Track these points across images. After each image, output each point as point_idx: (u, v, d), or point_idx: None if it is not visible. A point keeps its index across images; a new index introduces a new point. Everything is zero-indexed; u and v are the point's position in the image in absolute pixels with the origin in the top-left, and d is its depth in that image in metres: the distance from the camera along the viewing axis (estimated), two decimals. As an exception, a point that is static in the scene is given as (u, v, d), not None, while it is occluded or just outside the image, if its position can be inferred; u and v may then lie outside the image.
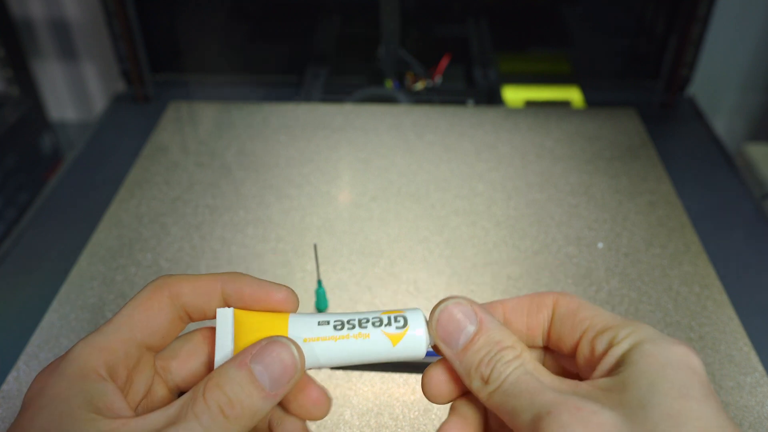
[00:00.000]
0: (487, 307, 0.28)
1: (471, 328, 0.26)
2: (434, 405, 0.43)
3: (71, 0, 1.12)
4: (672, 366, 0.23)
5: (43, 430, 0.23)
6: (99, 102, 1.23)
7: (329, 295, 0.53)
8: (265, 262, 0.56)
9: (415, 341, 0.27)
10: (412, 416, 0.42)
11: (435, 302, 0.27)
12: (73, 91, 1.23)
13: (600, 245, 0.58)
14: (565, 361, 0.30)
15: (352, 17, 0.95)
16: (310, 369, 0.27)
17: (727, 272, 0.55)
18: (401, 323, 0.27)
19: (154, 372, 0.28)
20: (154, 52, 0.89)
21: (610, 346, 0.25)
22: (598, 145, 0.71)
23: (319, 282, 0.50)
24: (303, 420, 0.29)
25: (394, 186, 0.65)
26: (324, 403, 0.28)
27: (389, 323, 0.27)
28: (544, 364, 0.30)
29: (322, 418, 0.29)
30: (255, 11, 0.93)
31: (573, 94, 0.87)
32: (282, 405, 0.29)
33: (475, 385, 0.26)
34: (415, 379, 0.45)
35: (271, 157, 0.69)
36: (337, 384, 0.45)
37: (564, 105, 0.85)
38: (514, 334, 0.27)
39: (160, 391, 0.28)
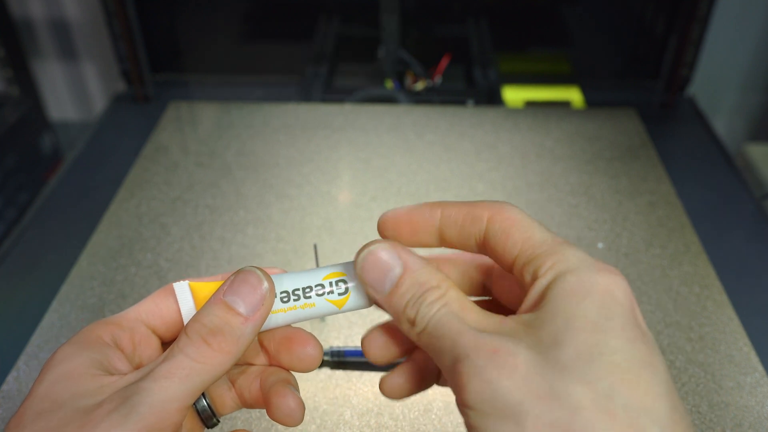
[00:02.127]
0: (423, 212, 0.27)
1: (396, 271, 0.26)
2: (434, 405, 0.43)
3: (71, 0, 1.12)
4: (591, 298, 0.23)
5: (51, 384, 0.25)
6: (99, 102, 1.23)
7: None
8: (265, 262, 0.56)
9: (358, 301, 0.28)
10: (412, 416, 0.43)
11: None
12: (73, 91, 1.23)
13: (600, 245, 0.58)
14: (503, 282, 0.29)
15: (352, 17, 0.95)
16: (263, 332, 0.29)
17: (727, 272, 0.55)
18: (342, 289, 0.28)
19: (161, 352, 0.29)
20: (154, 52, 0.89)
21: (534, 278, 0.24)
22: (598, 145, 0.71)
23: None
24: (290, 371, 0.30)
25: (394, 186, 0.65)
26: (315, 354, 0.29)
27: (332, 290, 0.28)
28: (485, 285, 0.29)
29: (313, 368, 0.29)
30: (255, 11, 0.93)
31: (573, 94, 0.87)
32: (272, 358, 0.30)
33: (405, 327, 0.26)
34: (415, 379, 0.45)
35: (271, 157, 0.69)
36: (337, 384, 0.45)
37: (564, 105, 0.85)
38: (448, 250, 0.27)
39: None
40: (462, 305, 0.25)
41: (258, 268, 0.27)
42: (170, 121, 0.76)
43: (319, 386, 0.44)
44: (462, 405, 0.22)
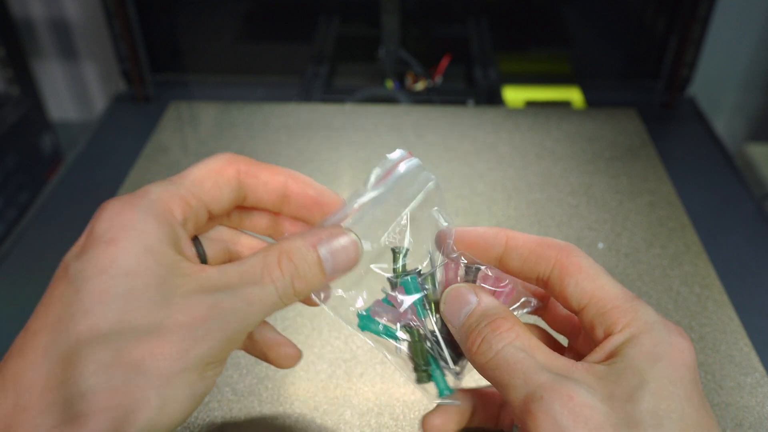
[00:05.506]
0: (488, 236, 0.29)
1: (472, 305, 0.27)
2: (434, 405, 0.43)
3: (71, 0, 1.12)
4: (665, 361, 0.24)
5: (130, 260, 0.24)
6: (99, 102, 1.23)
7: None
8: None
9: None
10: (412, 416, 0.42)
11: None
12: (73, 91, 1.23)
13: (600, 246, 0.58)
14: (559, 320, 0.30)
15: (352, 17, 0.95)
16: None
17: (727, 272, 0.55)
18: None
19: (206, 227, 0.30)
20: (154, 52, 0.89)
21: (608, 333, 0.25)
22: (598, 146, 0.71)
23: None
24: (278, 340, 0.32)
25: (395, 186, 0.65)
26: (295, 355, 0.31)
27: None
28: (542, 318, 0.31)
29: (291, 365, 0.32)
30: (255, 11, 0.93)
31: (573, 95, 0.87)
32: (258, 351, 0.31)
33: (471, 357, 0.27)
34: (415, 379, 0.45)
35: (271, 157, 0.69)
36: (337, 384, 0.45)
37: (564, 105, 0.85)
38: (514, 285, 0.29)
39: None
40: (530, 341, 0.26)
41: (357, 235, 0.28)
42: (170, 121, 0.76)
43: (319, 386, 0.44)
44: None
